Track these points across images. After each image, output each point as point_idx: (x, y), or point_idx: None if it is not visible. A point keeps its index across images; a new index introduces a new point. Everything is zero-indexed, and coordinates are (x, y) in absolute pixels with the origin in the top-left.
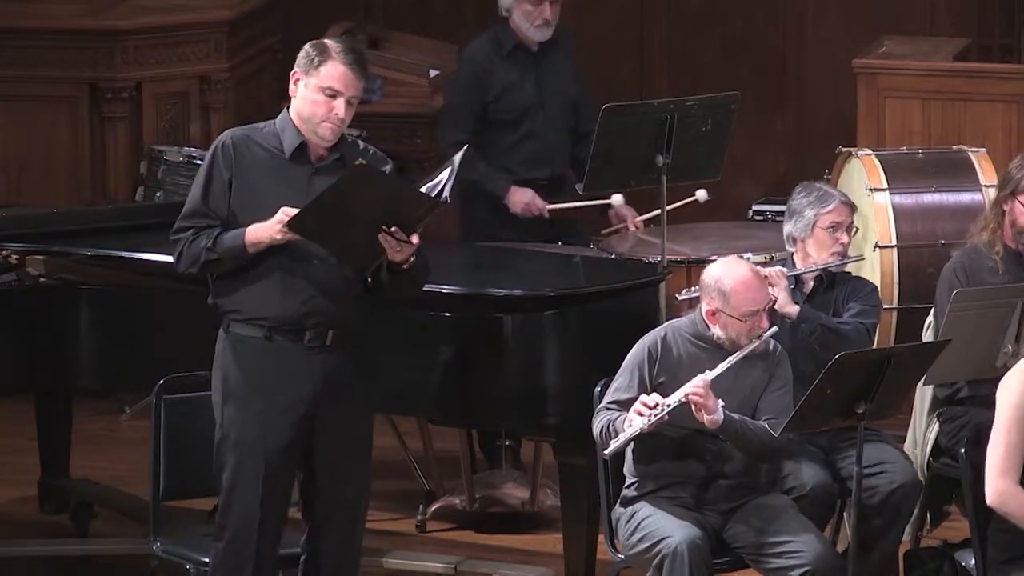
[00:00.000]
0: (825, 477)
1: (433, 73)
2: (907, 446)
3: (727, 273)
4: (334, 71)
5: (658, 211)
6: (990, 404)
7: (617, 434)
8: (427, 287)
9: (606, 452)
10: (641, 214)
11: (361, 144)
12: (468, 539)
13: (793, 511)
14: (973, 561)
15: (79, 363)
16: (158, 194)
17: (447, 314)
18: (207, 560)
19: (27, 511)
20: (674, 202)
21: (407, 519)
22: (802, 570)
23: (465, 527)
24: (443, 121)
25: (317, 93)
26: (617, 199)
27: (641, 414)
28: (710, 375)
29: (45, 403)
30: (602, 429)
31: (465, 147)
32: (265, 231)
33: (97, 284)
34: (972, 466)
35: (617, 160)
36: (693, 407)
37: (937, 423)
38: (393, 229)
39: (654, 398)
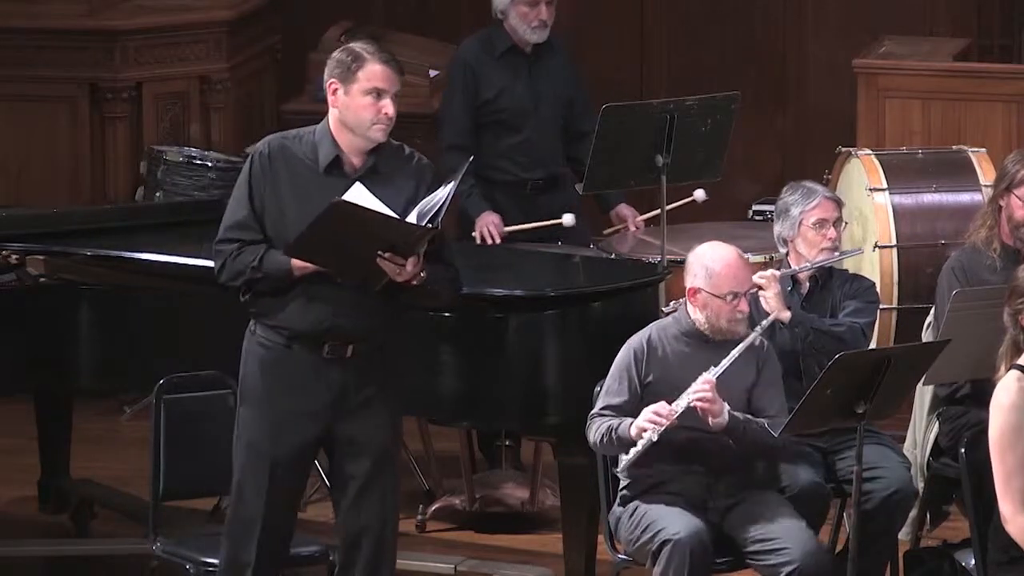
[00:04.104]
0: (817, 478)
1: (433, 73)
2: (907, 446)
3: (712, 252)
4: (375, 70)
5: (658, 211)
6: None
7: (621, 441)
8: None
9: (618, 469)
10: (640, 214)
11: (407, 149)
12: (468, 539)
13: (787, 509)
14: (973, 561)
15: (79, 363)
16: (158, 194)
17: (447, 314)
18: (207, 560)
19: (27, 511)
20: (673, 202)
21: (407, 519)
22: (791, 567)
23: (465, 527)
24: (440, 125)
25: (363, 96)
26: (568, 219)
27: (655, 422)
28: (713, 374)
29: (45, 403)
30: (602, 436)
31: (469, 160)
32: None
33: (97, 284)
34: (971, 466)
35: (617, 160)
36: (700, 410)
37: (937, 423)
38: (388, 255)
39: (662, 406)
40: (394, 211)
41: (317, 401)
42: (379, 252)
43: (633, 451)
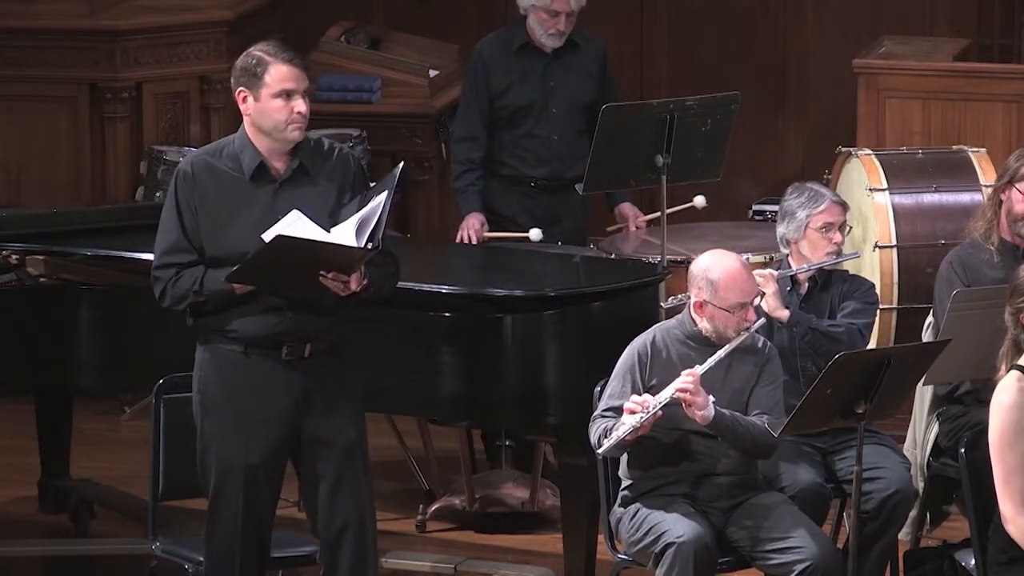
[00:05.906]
0: (817, 478)
1: (433, 73)
2: (907, 446)
3: (715, 264)
4: (281, 72)
5: (659, 213)
6: (989, 403)
7: (617, 441)
8: (427, 287)
9: (599, 451)
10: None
11: (326, 143)
12: (468, 539)
13: (791, 508)
14: (973, 561)
15: (79, 363)
16: (158, 194)
17: (447, 314)
18: None
19: (27, 511)
20: (673, 204)
21: (407, 519)
22: (803, 566)
23: (465, 527)
24: (456, 115)
25: (273, 100)
26: (535, 234)
27: (633, 412)
28: (699, 369)
29: (45, 403)
30: (599, 438)
31: (400, 166)
32: None
33: (97, 284)
34: (971, 466)
35: (617, 160)
36: (683, 403)
37: (937, 423)
38: (332, 274)
39: (644, 396)
40: (326, 210)
41: (281, 404)
42: (321, 272)
43: (615, 435)
